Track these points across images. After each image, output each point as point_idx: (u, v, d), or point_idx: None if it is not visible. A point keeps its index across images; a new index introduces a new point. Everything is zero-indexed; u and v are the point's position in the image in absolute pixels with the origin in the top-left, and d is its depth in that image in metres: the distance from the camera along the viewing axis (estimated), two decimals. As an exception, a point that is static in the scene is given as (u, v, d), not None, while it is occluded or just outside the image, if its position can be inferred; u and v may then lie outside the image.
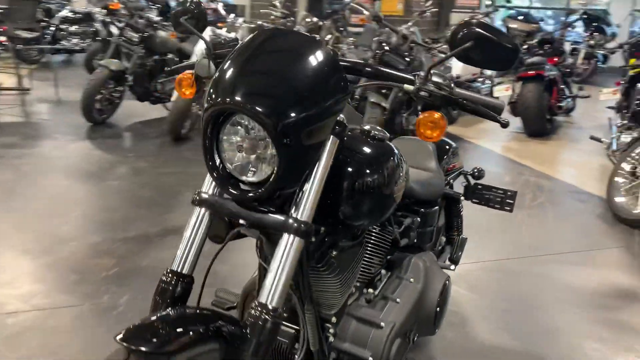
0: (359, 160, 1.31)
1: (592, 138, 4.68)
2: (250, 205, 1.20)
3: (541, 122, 5.84)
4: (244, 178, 1.18)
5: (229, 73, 1.14)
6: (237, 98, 1.09)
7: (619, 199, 3.70)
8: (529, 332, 2.42)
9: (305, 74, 1.13)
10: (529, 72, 5.76)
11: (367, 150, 1.34)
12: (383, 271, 1.78)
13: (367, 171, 1.32)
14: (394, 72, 1.29)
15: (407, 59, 4.23)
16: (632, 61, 5.50)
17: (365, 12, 4.36)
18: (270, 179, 1.13)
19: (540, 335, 2.40)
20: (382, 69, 1.31)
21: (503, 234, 3.41)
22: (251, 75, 1.14)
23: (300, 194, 1.18)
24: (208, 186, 1.29)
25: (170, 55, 5.77)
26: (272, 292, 1.14)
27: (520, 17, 10.09)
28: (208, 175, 1.28)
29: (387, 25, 4.38)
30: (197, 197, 1.27)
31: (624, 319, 2.55)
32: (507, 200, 2.43)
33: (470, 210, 2.53)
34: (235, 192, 1.17)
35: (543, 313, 2.57)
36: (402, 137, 2.28)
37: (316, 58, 1.15)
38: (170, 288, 1.24)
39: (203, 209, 1.27)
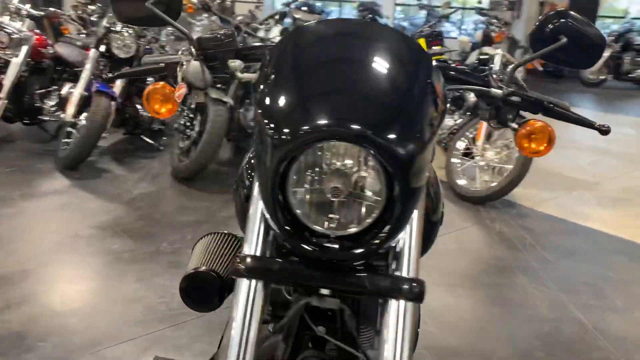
0: None
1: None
2: (331, 268, 0.87)
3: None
4: (336, 232, 0.84)
5: (306, 85, 0.79)
6: (351, 123, 0.75)
7: (459, 181, 4.00)
8: (449, 327, 2.42)
9: (422, 85, 0.83)
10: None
11: None
12: None
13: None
14: (476, 75, 1.06)
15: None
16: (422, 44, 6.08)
17: (193, 0, 3.92)
18: (386, 229, 0.82)
19: (453, 326, 2.43)
20: (466, 70, 1.07)
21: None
22: (358, 89, 0.80)
23: (398, 245, 0.89)
24: (253, 247, 0.91)
25: None
26: None
27: (304, 8, 10.44)
28: (251, 232, 0.90)
29: (216, 14, 4.02)
30: (243, 265, 0.88)
31: (513, 296, 2.73)
32: None
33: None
34: (334, 250, 0.83)
35: (446, 302, 2.61)
36: None
37: (423, 64, 0.86)
38: None
39: (254, 281, 0.89)
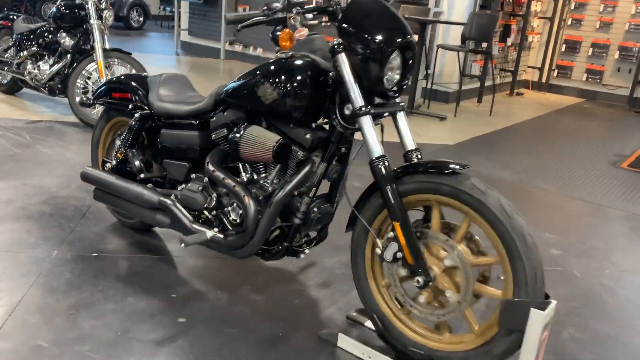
0: None
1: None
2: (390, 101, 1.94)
3: None
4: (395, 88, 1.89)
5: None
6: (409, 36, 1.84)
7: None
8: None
9: None
10: None
11: None
12: None
13: None
14: None
15: None
16: None
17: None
18: (405, 82, 1.91)
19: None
20: None
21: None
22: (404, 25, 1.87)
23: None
24: (359, 99, 1.84)
25: None
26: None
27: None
28: (360, 94, 1.84)
29: None
30: (362, 110, 1.82)
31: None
32: None
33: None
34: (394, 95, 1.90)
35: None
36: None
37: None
38: None
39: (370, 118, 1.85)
